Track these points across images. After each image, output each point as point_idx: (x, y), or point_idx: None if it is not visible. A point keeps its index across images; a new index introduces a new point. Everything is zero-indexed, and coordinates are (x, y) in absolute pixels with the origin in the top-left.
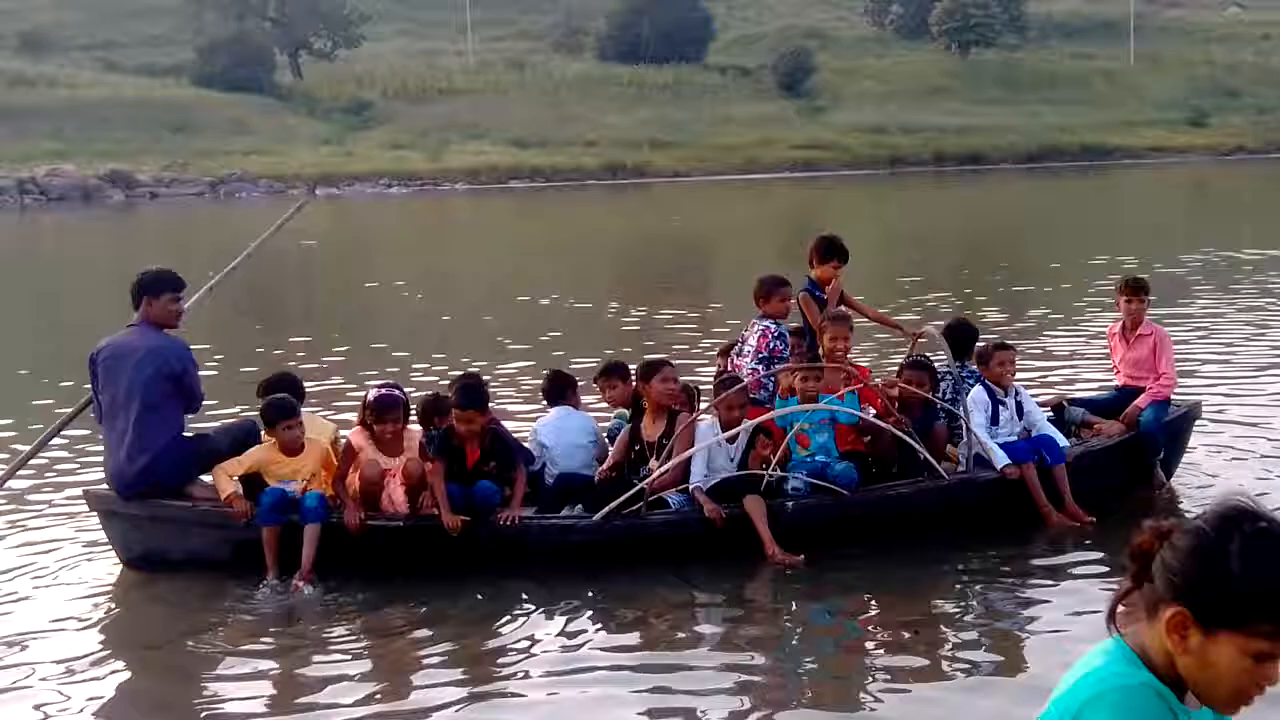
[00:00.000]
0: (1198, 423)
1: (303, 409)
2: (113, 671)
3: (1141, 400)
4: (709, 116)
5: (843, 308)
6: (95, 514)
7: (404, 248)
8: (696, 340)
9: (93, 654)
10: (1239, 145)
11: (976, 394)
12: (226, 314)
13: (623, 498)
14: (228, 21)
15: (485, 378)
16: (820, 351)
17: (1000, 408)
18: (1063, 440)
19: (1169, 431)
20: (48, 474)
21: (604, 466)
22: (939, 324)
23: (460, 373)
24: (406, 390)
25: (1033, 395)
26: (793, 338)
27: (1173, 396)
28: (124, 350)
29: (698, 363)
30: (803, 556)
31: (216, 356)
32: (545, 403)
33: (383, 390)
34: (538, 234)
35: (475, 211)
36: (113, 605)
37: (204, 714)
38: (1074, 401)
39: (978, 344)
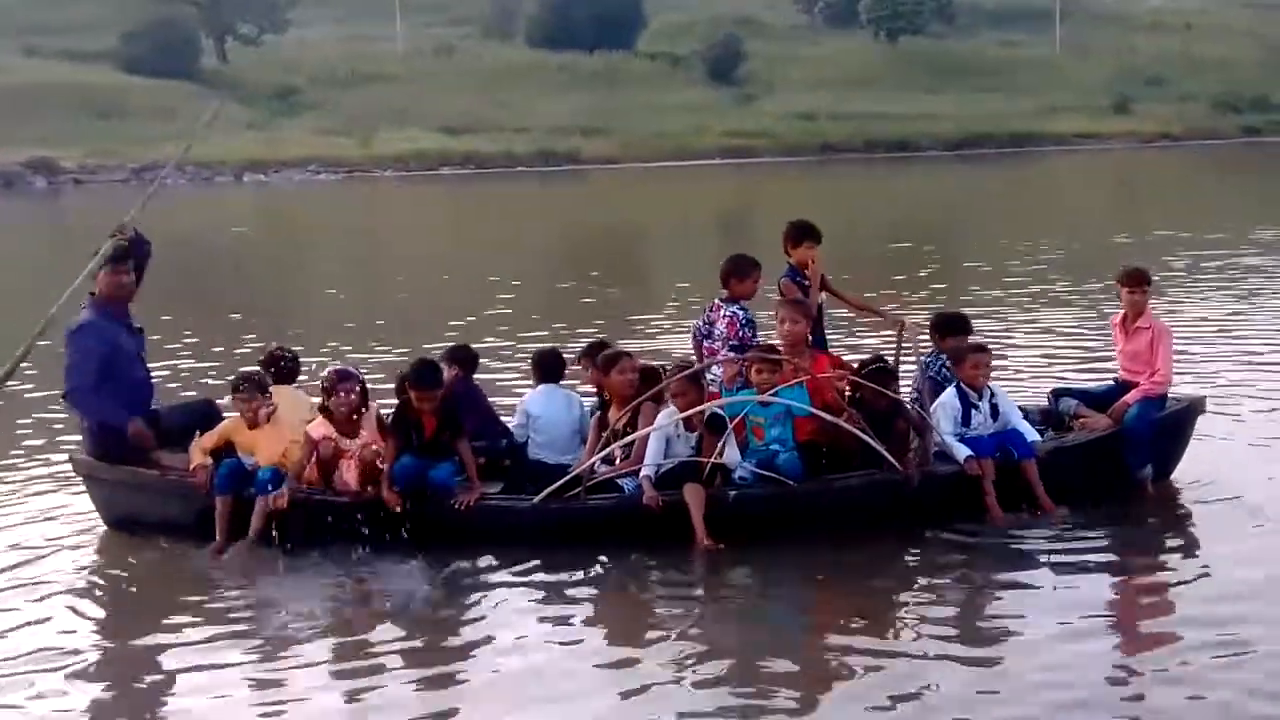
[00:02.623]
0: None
1: (291, 387)
2: (65, 632)
3: (1131, 396)
4: (640, 104)
5: (799, 295)
6: (80, 478)
7: (336, 234)
8: (649, 322)
9: (52, 611)
10: (1163, 132)
11: (946, 397)
12: (160, 301)
13: (559, 482)
14: (153, 6)
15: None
16: (779, 336)
17: (973, 410)
18: (1034, 435)
19: (1161, 428)
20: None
21: (583, 465)
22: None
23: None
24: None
25: (1023, 382)
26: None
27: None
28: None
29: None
30: (723, 545)
31: (158, 341)
32: (534, 380)
33: (337, 368)
34: (472, 219)
35: (407, 198)
36: (86, 563)
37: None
38: (1069, 392)
39: (958, 341)
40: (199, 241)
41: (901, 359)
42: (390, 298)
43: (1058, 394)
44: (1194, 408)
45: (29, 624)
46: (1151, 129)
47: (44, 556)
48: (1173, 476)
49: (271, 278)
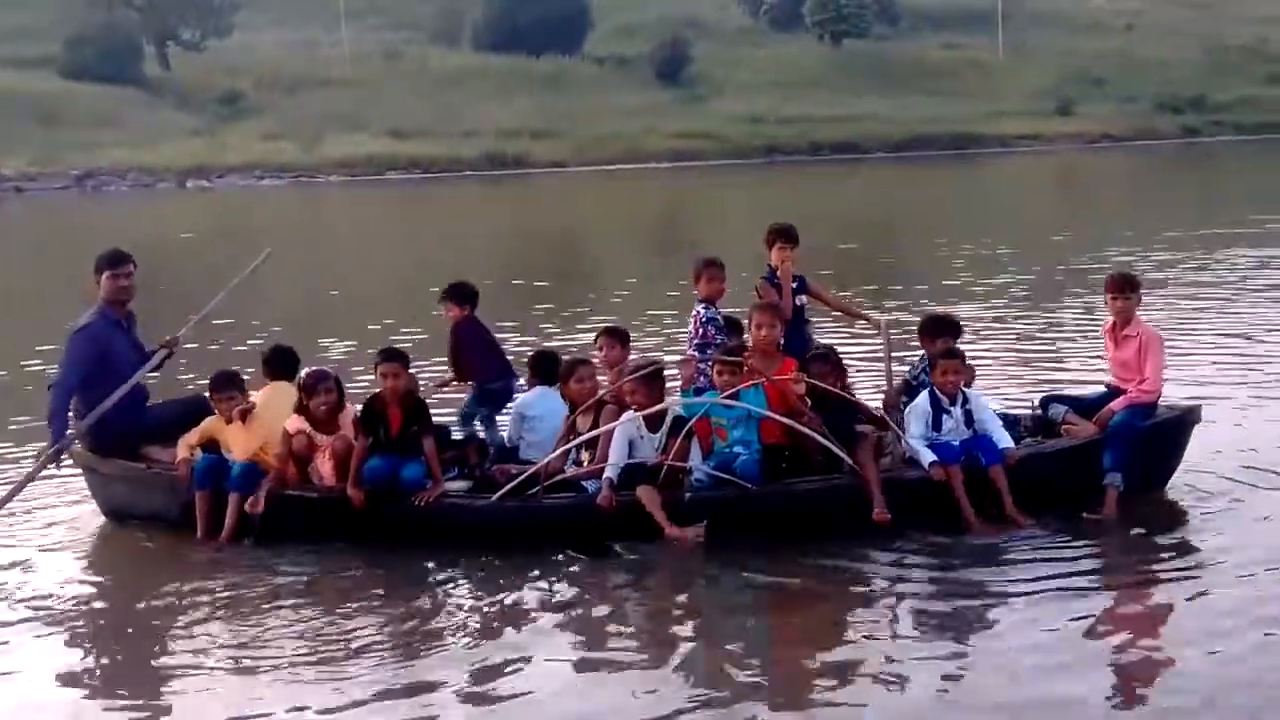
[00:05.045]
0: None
1: (290, 383)
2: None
3: (1118, 403)
4: (588, 106)
5: (774, 298)
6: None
7: (284, 239)
8: (595, 325)
9: (42, 598)
10: (1104, 133)
11: (918, 401)
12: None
13: (515, 481)
14: (94, 11)
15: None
16: (748, 339)
17: (945, 415)
18: (1007, 441)
19: (1151, 437)
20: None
21: (540, 464)
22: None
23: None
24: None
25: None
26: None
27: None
28: None
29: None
30: (702, 524)
31: None
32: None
33: (313, 369)
34: (419, 224)
35: (353, 203)
36: (80, 550)
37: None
38: (1059, 399)
39: (946, 344)
40: (149, 247)
41: (891, 361)
42: (340, 300)
43: (1047, 401)
44: (1188, 417)
45: (24, 600)
46: (1093, 130)
47: (44, 542)
48: (1165, 487)
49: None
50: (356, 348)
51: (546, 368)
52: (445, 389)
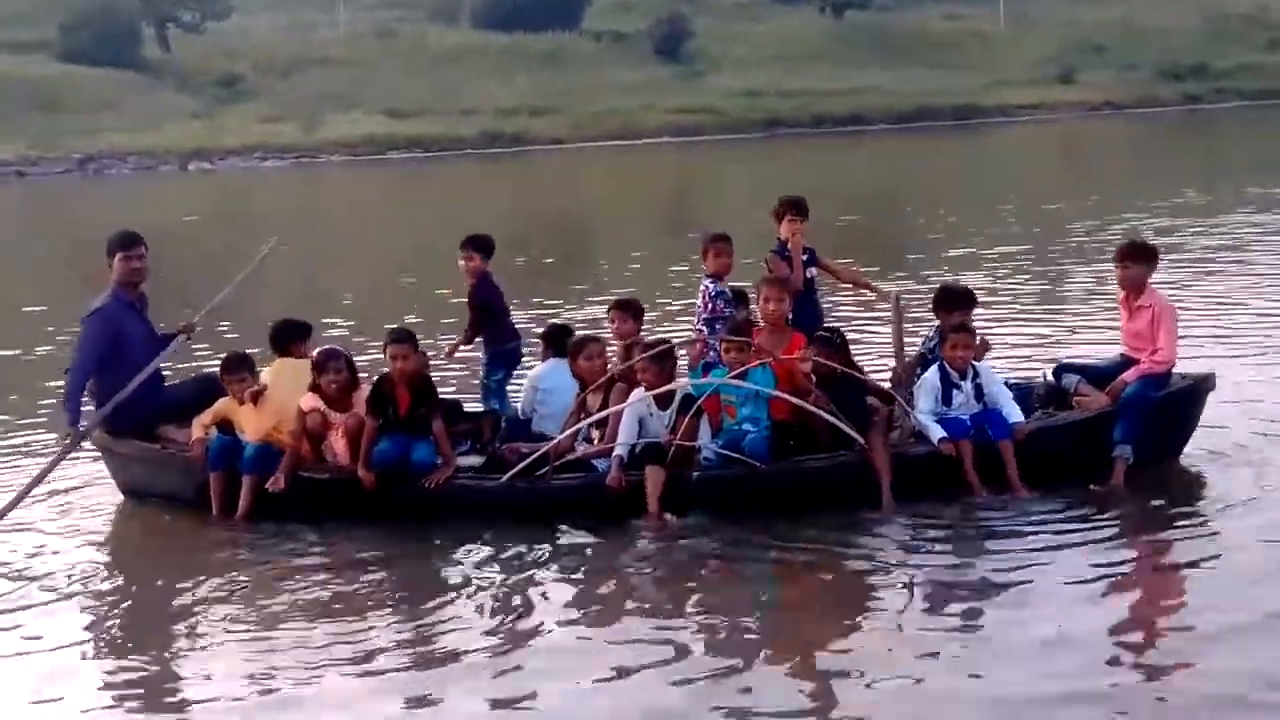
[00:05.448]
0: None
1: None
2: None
3: (1130, 374)
4: (587, 83)
5: (784, 272)
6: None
7: (288, 219)
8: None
9: (62, 564)
10: (1106, 101)
11: (928, 377)
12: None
13: (525, 462)
14: None
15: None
16: (757, 313)
17: (954, 390)
18: (1017, 416)
19: (1165, 407)
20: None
21: (551, 444)
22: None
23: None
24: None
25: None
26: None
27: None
28: None
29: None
30: (674, 518)
31: None
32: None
33: (324, 348)
34: (421, 202)
35: (354, 183)
36: (96, 530)
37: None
38: (1071, 368)
39: (963, 316)
40: (153, 230)
41: (902, 334)
42: (349, 281)
43: (1060, 370)
44: (1201, 385)
45: (43, 576)
46: (1095, 98)
47: (63, 521)
48: (1180, 456)
49: (233, 263)
50: (360, 328)
51: (560, 341)
52: (454, 354)
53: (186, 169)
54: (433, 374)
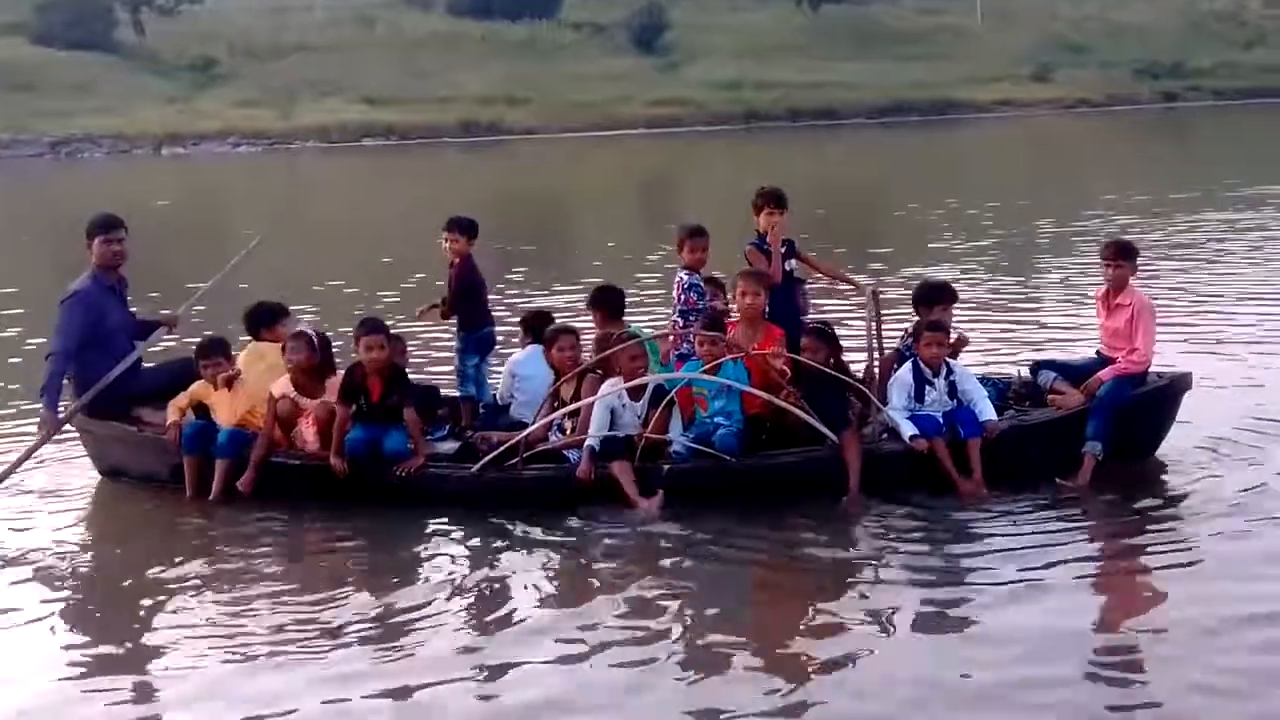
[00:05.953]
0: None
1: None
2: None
3: (1106, 372)
4: (564, 73)
5: (761, 264)
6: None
7: (262, 205)
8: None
9: (41, 551)
10: (1082, 99)
11: (901, 374)
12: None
13: (495, 452)
14: None
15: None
16: (732, 306)
17: (928, 387)
18: (989, 414)
19: (1141, 405)
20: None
21: (523, 434)
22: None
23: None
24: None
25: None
26: (708, 287)
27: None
28: None
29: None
30: (659, 495)
31: None
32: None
33: (297, 328)
34: (396, 189)
35: (328, 169)
36: (73, 508)
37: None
38: (1048, 365)
39: (943, 313)
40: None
41: (880, 329)
42: (325, 265)
43: (1037, 367)
44: (1178, 384)
45: (17, 554)
46: (1070, 95)
47: (41, 499)
48: (1155, 453)
49: (207, 248)
50: (334, 310)
51: (539, 327)
52: (422, 316)
53: (160, 153)
54: (410, 359)
